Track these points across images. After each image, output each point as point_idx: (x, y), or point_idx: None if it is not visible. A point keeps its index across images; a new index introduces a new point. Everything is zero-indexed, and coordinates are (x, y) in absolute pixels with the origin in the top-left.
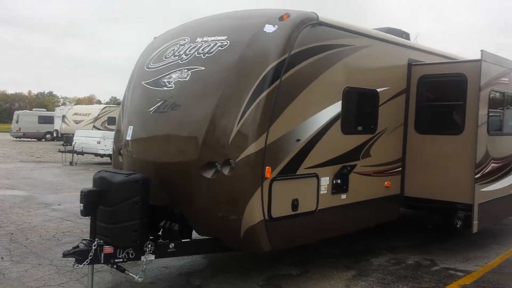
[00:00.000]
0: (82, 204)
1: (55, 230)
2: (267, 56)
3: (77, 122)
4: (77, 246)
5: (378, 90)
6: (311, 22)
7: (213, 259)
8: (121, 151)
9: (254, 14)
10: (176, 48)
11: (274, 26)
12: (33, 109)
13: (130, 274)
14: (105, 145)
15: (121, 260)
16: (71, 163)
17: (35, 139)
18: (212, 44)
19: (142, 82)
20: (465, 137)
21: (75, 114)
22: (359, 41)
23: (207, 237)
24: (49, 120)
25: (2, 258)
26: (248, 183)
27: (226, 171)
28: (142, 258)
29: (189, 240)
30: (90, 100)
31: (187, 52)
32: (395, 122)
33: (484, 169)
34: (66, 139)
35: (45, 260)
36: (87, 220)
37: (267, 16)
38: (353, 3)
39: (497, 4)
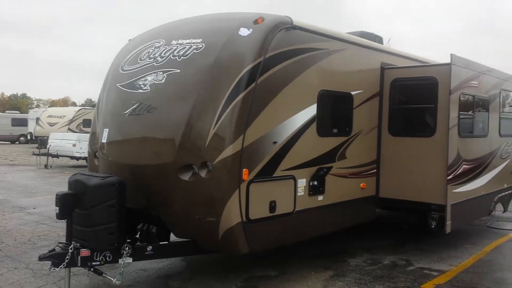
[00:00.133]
0: (57, 207)
1: (31, 233)
2: (242, 59)
3: (51, 124)
4: (54, 250)
5: (352, 93)
6: (286, 26)
7: (191, 261)
8: (96, 154)
9: (229, 17)
10: (151, 50)
11: (249, 29)
12: (6, 112)
13: (108, 277)
14: (81, 148)
15: (98, 263)
16: (46, 166)
17: (9, 142)
18: (187, 47)
19: (117, 85)
20: (437, 139)
21: (50, 116)
22: (333, 44)
23: (185, 240)
24: (23, 122)
25: None
26: (226, 185)
27: (203, 173)
28: (120, 261)
29: (167, 242)
30: (65, 102)
31: (162, 54)
32: (369, 125)
33: (456, 171)
34: (41, 141)
35: (21, 264)
36: (63, 224)
37: (242, 19)
38: (328, 8)
39: (469, 8)
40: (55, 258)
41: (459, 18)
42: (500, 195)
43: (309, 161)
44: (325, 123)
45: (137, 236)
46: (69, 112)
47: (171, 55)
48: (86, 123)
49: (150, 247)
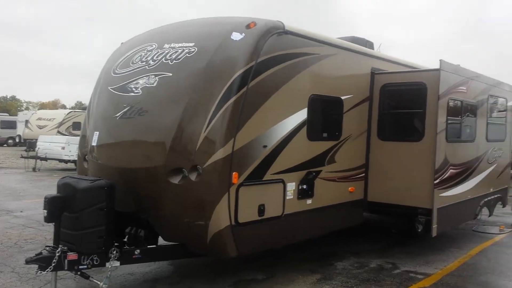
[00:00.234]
0: (46, 211)
1: (17, 237)
2: (234, 64)
3: (40, 127)
4: (40, 253)
5: (343, 98)
6: (277, 31)
7: (179, 265)
8: (86, 157)
9: (222, 21)
10: (143, 54)
11: (241, 34)
12: None
13: (95, 280)
14: (70, 151)
15: (85, 266)
16: (34, 169)
17: None
18: (179, 51)
19: (109, 88)
20: (425, 144)
21: (39, 119)
22: (324, 49)
23: (174, 243)
24: (12, 125)
25: None
26: (215, 189)
27: (193, 177)
28: (107, 264)
29: (155, 246)
30: (54, 105)
31: (154, 58)
32: (359, 129)
33: (443, 175)
34: (29, 144)
35: (7, 268)
36: (50, 227)
37: (234, 24)
38: (320, 12)
39: (459, 15)
40: (42, 261)
41: (449, 24)
42: (486, 199)
43: (298, 165)
44: (315, 127)
45: (125, 239)
46: (58, 114)
47: (163, 58)
48: (76, 126)
49: (138, 250)
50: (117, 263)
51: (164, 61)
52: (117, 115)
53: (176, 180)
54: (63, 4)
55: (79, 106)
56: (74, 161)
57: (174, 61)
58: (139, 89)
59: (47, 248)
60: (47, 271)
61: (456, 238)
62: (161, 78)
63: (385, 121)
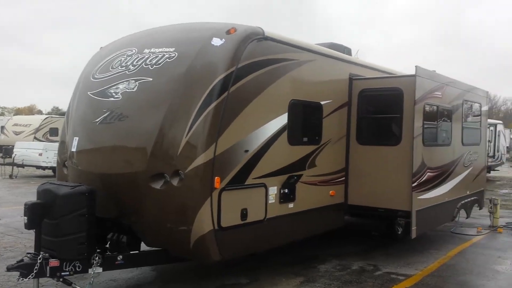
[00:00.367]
0: (26, 217)
1: None
2: (215, 69)
3: (17, 133)
4: (22, 260)
5: (322, 103)
6: (257, 37)
7: (162, 271)
8: (66, 163)
9: (201, 27)
10: (123, 58)
11: (221, 39)
12: None
13: (77, 287)
14: (47, 157)
15: (67, 273)
16: (10, 176)
17: None
18: (160, 56)
19: (88, 93)
20: (402, 148)
21: (15, 124)
22: (303, 55)
23: (156, 249)
24: None
25: None
26: (198, 194)
27: (175, 182)
28: (90, 270)
29: (137, 252)
30: (30, 110)
31: (134, 63)
32: (338, 134)
33: (421, 178)
34: (6, 151)
35: None
36: (29, 235)
37: (214, 29)
38: (299, 18)
39: (436, 20)
40: (23, 268)
41: (426, 30)
42: (463, 202)
43: (280, 169)
44: (296, 132)
45: (107, 245)
46: (35, 120)
47: (143, 63)
48: (53, 131)
49: (121, 256)
50: (100, 269)
51: (144, 66)
52: (97, 120)
53: (158, 185)
54: (38, 8)
55: (56, 111)
56: (52, 168)
57: (155, 66)
58: (119, 94)
59: (29, 255)
60: (29, 278)
61: (435, 239)
62: (141, 83)
63: (364, 126)
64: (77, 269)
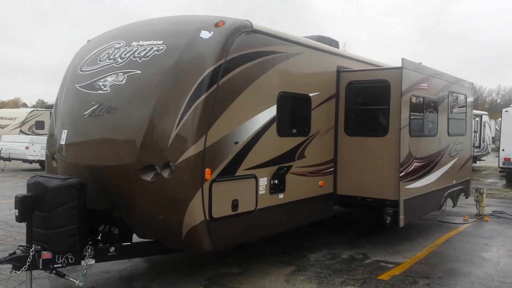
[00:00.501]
0: (17, 210)
1: None
2: (204, 61)
3: (2, 126)
4: (14, 253)
5: (310, 95)
6: (246, 30)
7: (154, 262)
8: (55, 155)
9: (190, 20)
10: (111, 51)
11: (210, 32)
12: None
13: (70, 279)
14: (34, 151)
15: (60, 265)
16: None
17: None
18: (148, 48)
19: (76, 85)
20: (389, 139)
21: (0, 118)
22: (291, 48)
23: (148, 240)
24: None
25: None
26: (189, 185)
27: (166, 173)
28: (82, 262)
29: (129, 243)
30: (15, 103)
31: (122, 55)
32: (327, 125)
33: (408, 168)
34: None
35: None
36: (19, 228)
37: (203, 22)
38: (286, 11)
39: (419, 13)
40: (16, 261)
41: (413, 22)
42: (449, 191)
43: (269, 160)
44: (285, 123)
45: (99, 238)
46: (20, 113)
47: (131, 56)
48: (39, 125)
49: (113, 248)
50: (92, 261)
51: (133, 58)
52: (86, 113)
53: (148, 177)
54: (20, 0)
55: (41, 104)
56: (39, 161)
57: (143, 58)
58: (107, 86)
59: (21, 248)
60: (22, 270)
61: (423, 228)
62: (130, 75)
63: (352, 117)
64: (70, 261)
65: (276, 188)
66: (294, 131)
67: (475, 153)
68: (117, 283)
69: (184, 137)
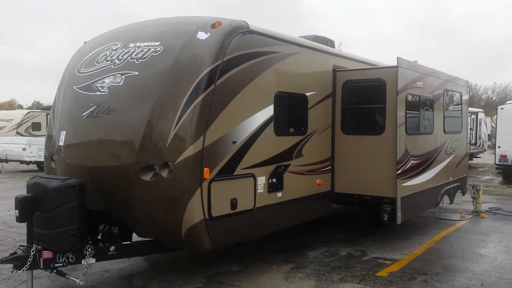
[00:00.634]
0: (17, 211)
1: None
2: (201, 62)
3: None
4: (15, 253)
5: (307, 94)
6: (242, 30)
7: (154, 261)
8: (53, 156)
9: (186, 21)
10: (108, 53)
11: (206, 33)
12: None
13: (71, 278)
14: (31, 152)
15: (61, 264)
16: None
17: None
18: (145, 50)
19: (74, 87)
20: (386, 137)
21: None
22: (287, 48)
23: (148, 239)
24: None
25: None
26: (188, 185)
27: (165, 173)
28: (83, 261)
29: (129, 242)
30: (10, 105)
31: (120, 57)
32: (324, 124)
33: (404, 166)
34: None
35: None
36: (18, 229)
37: (199, 23)
38: (281, 10)
39: (415, 11)
40: (17, 261)
41: (410, 20)
42: (446, 188)
43: (267, 159)
44: (282, 123)
45: (99, 237)
46: (17, 115)
47: (129, 57)
48: (36, 126)
49: (113, 247)
50: (93, 260)
51: (130, 60)
52: (84, 114)
53: (147, 177)
54: (20, 1)
55: (37, 106)
56: (36, 162)
57: (140, 60)
58: (105, 88)
59: (22, 248)
60: (23, 270)
61: (420, 225)
62: (127, 77)
63: (348, 116)
64: (70, 261)
65: (274, 186)
66: (292, 130)
67: (471, 150)
68: (117, 282)
69: (182, 137)
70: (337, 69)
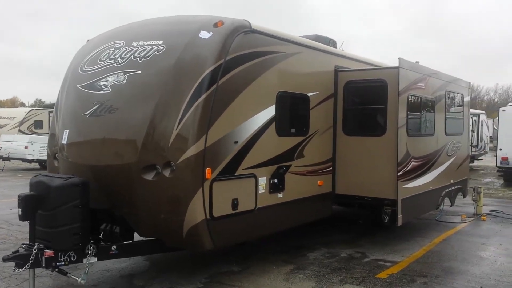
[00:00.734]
0: (20, 209)
1: None
2: (203, 62)
3: (1, 126)
4: (17, 251)
5: (309, 94)
6: (244, 30)
7: (155, 261)
8: (56, 155)
9: (189, 20)
10: (111, 51)
11: (209, 32)
12: None
13: (73, 276)
14: (33, 150)
15: (62, 263)
16: None
17: None
18: (148, 48)
19: (77, 85)
20: (387, 138)
21: None
22: (289, 48)
23: (149, 238)
24: None
25: None
26: (189, 184)
27: (167, 173)
28: (84, 260)
29: (131, 241)
30: (13, 103)
31: (123, 55)
32: (325, 125)
33: (406, 167)
34: None
35: None
36: (20, 227)
37: (202, 22)
38: (283, 11)
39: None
40: (19, 259)
41: (409, 21)
42: (447, 190)
43: (269, 159)
44: (284, 123)
45: (100, 236)
46: (19, 113)
47: (131, 56)
48: (38, 124)
49: (115, 246)
50: (94, 259)
51: (133, 58)
52: (87, 112)
53: (149, 176)
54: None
55: (39, 104)
56: (38, 161)
57: (143, 59)
58: (108, 86)
59: (24, 246)
60: (25, 268)
61: (421, 227)
62: (130, 75)
63: (350, 117)
64: (72, 259)
65: (275, 187)
66: (293, 130)
67: (473, 153)
68: (118, 281)
69: (184, 136)
70: (339, 69)
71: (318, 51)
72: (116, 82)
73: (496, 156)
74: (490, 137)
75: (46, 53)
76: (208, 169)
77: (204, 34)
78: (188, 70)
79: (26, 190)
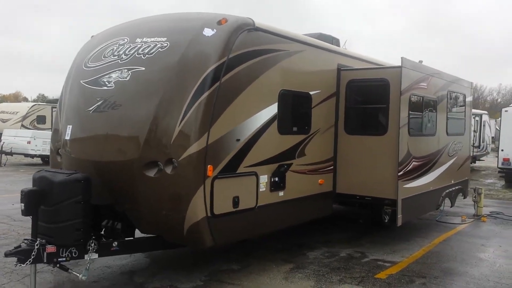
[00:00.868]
0: (23, 204)
1: None
2: (207, 59)
3: (4, 121)
4: (19, 246)
5: (311, 93)
6: (248, 27)
7: (155, 258)
8: (59, 150)
9: (193, 17)
10: (115, 47)
11: (212, 30)
12: None
13: (74, 273)
14: (36, 145)
15: (64, 259)
16: None
17: None
18: (152, 45)
19: (81, 81)
20: (389, 138)
21: (2, 112)
22: (292, 46)
23: (150, 235)
24: None
25: None
26: (191, 182)
27: (169, 170)
28: (86, 256)
29: (132, 238)
30: (16, 97)
31: (126, 52)
32: (327, 124)
33: (406, 167)
34: None
35: None
36: (22, 222)
37: (205, 19)
38: (286, 9)
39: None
40: (21, 254)
41: (414, 19)
42: (447, 191)
43: (270, 158)
44: (286, 121)
45: (102, 232)
46: (22, 108)
47: (135, 53)
48: (41, 119)
49: (116, 243)
50: (96, 255)
51: (137, 55)
52: (90, 108)
53: (151, 173)
54: None
55: (42, 98)
56: (40, 156)
57: (147, 55)
58: (112, 82)
59: (26, 241)
60: (27, 263)
61: (421, 228)
62: (134, 72)
63: (351, 116)
64: (74, 255)
65: (276, 185)
66: (295, 129)
67: (474, 153)
68: (119, 278)
69: (187, 133)
70: (342, 68)
71: (321, 49)
72: (120, 79)
73: (497, 157)
74: (492, 137)
75: (49, 47)
76: (209, 167)
77: (208, 32)
78: (192, 67)
79: (28, 185)
